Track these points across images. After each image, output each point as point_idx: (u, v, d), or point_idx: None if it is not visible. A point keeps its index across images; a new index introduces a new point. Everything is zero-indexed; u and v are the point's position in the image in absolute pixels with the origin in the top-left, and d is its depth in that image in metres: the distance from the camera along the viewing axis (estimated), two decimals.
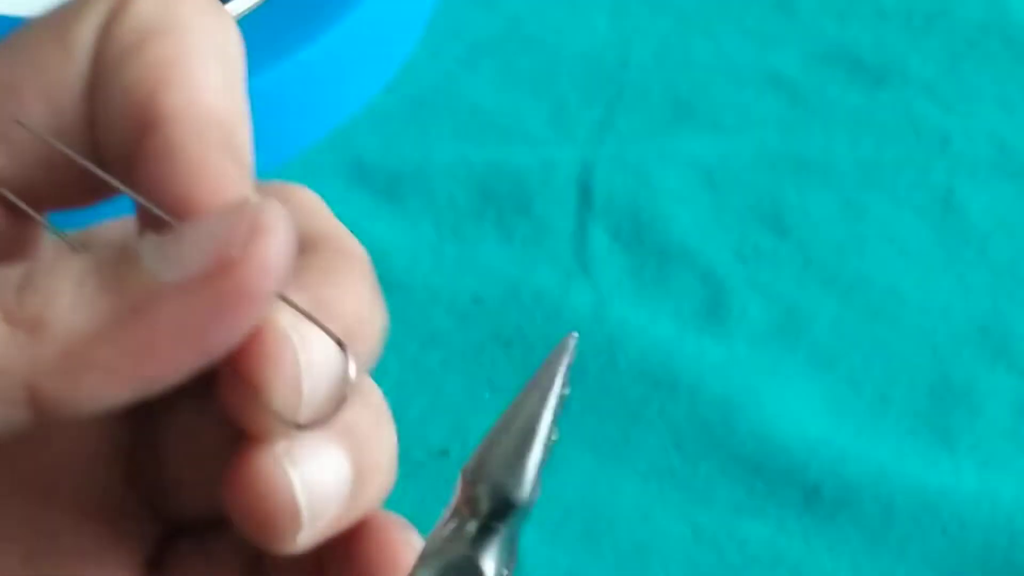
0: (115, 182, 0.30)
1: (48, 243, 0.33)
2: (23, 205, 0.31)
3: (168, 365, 0.28)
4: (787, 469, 0.51)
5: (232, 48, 0.32)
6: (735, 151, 0.62)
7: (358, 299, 0.32)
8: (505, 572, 0.28)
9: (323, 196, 0.58)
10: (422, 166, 0.61)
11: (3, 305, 0.28)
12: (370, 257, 0.55)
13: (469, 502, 0.28)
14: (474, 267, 0.57)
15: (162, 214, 0.29)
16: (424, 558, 0.28)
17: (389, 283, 0.55)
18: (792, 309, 0.56)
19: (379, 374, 0.54)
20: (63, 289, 0.28)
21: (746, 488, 0.51)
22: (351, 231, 0.56)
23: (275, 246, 0.27)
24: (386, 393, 0.54)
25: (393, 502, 0.50)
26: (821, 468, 0.51)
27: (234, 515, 0.30)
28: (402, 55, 0.64)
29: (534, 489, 0.28)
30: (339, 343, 0.29)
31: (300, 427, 0.29)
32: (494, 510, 0.28)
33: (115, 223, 0.34)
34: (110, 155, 0.31)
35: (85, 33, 0.31)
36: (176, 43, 0.31)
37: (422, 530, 0.48)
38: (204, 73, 0.31)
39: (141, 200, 0.29)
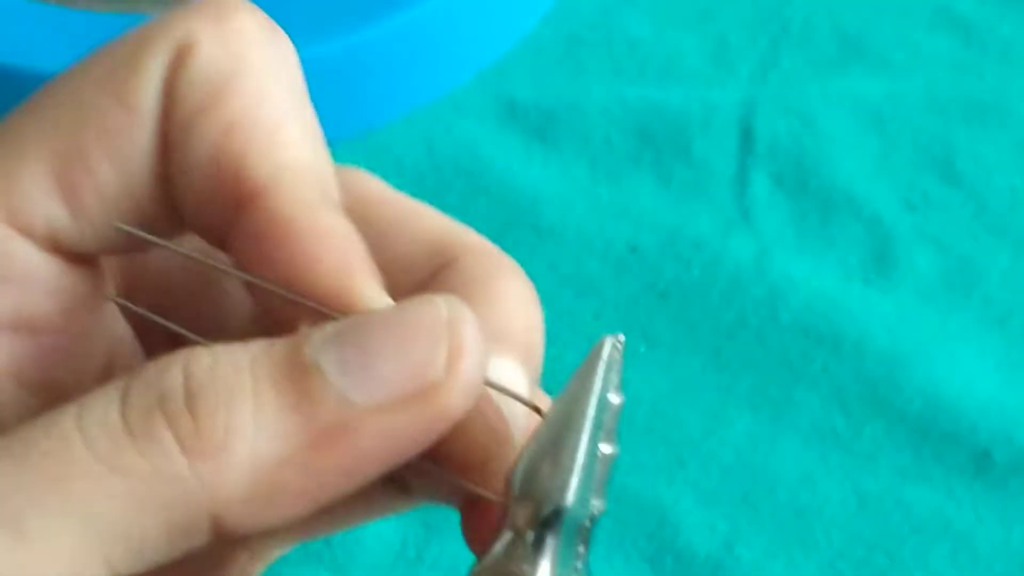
0: (248, 276, 0.29)
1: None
2: (148, 314, 0.30)
3: (361, 479, 0.27)
4: (956, 432, 0.50)
5: (297, 76, 0.31)
6: (904, 92, 0.59)
7: (523, 307, 0.31)
8: None
9: (474, 137, 0.57)
10: (576, 105, 0.59)
11: (180, 434, 0.26)
12: (522, 201, 0.55)
13: (517, 515, 0.27)
14: (630, 213, 0.55)
15: (318, 306, 0.28)
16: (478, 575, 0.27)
17: (540, 229, 0.55)
18: (963, 261, 0.54)
19: None
20: (242, 408, 0.26)
21: (913, 451, 0.49)
22: (503, 173, 0.55)
23: (476, 365, 0.27)
24: None
25: None
26: (992, 431, 0.49)
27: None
28: None
29: (583, 497, 0.27)
30: (536, 410, 0.29)
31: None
32: (542, 521, 0.27)
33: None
34: (198, 224, 0.30)
35: (148, 90, 0.30)
36: (248, 95, 0.30)
37: None
38: (286, 125, 0.30)
39: (286, 292, 0.28)
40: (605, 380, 0.27)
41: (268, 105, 0.30)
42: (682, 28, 0.61)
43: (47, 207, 0.30)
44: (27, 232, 0.30)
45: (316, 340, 0.27)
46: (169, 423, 0.26)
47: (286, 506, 0.27)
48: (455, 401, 0.27)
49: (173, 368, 0.27)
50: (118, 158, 0.30)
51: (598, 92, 0.59)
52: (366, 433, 0.26)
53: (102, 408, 0.26)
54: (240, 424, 0.26)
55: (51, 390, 0.30)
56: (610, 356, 0.27)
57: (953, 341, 0.52)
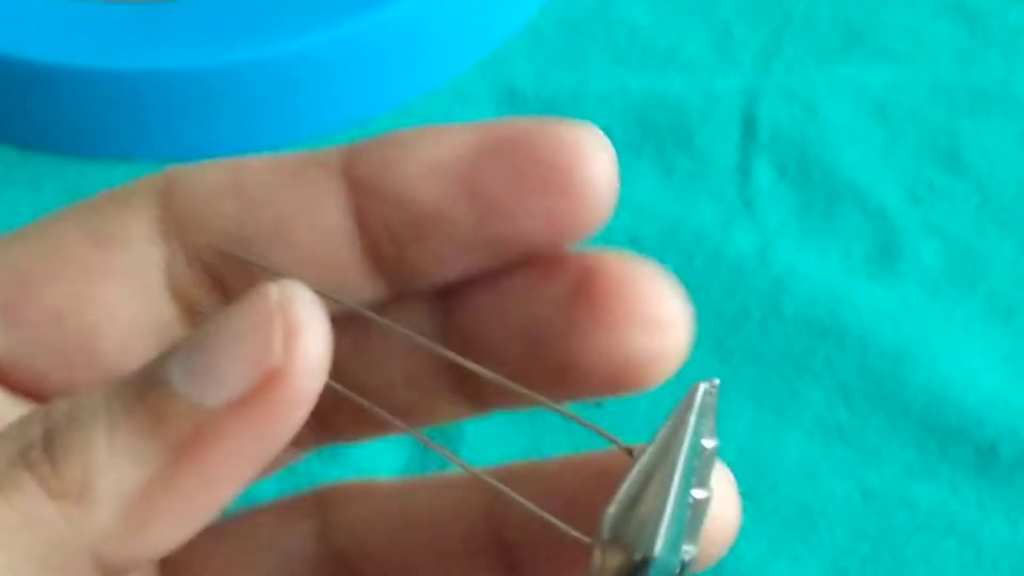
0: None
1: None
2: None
3: (233, 483, 0.26)
4: (961, 427, 0.49)
5: None
6: (909, 81, 0.58)
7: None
8: None
9: None
10: (577, 94, 0.58)
11: (42, 480, 0.25)
12: None
13: (604, 561, 0.26)
14: (631, 204, 0.54)
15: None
16: None
17: None
18: (969, 253, 0.54)
19: None
20: (96, 443, 0.25)
21: (917, 447, 0.49)
22: None
23: (316, 341, 0.26)
24: None
25: (546, 450, 0.49)
26: (998, 426, 0.49)
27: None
28: None
29: (673, 544, 0.26)
30: (628, 452, 0.28)
31: None
32: (630, 570, 0.26)
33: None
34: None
35: (136, 221, 0.30)
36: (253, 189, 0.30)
37: None
38: None
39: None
40: (698, 425, 0.27)
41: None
42: (684, 16, 0.61)
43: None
44: None
45: (166, 358, 0.26)
46: (31, 471, 0.25)
47: (165, 530, 0.26)
48: (301, 382, 0.25)
49: (34, 418, 0.26)
50: (85, 286, 0.30)
51: (598, 81, 0.58)
52: (223, 435, 0.25)
53: None
54: (96, 459, 0.25)
55: None
56: (703, 401, 0.27)
57: (958, 334, 0.51)
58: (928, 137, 0.57)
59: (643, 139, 0.56)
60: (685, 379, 0.50)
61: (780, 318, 0.51)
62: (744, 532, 0.47)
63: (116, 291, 0.30)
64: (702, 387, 0.27)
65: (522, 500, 0.28)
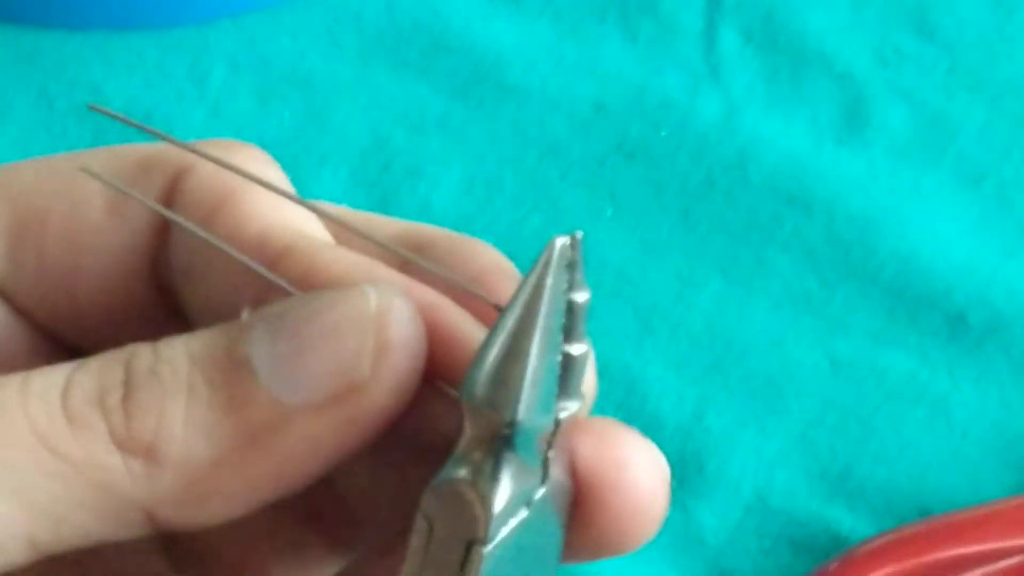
0: (211, 237, 0.29)
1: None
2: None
3: (292, 482, 0.27)
4: (930, 294, 0.49)
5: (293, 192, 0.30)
6: None
7: (500, 259, 0.29)
8: (529, 502, 0.26)
9: None
10: None
11: (113, 428, 0.26)
12: (485, 59, 0.53)
13: (472, 428, 0.26)
14: (595, 71, 0.53)
15: (283, 282, 0.27)
16: (430, 493, 0.26)
17: (504, 88, 0.53)
18: (937, 118, 0.53)
19: (494, 189, 0.52)
20: (174, 410, 0.26)
21: (886, 315, 0.48)
22: (465, 30, 0.53)
23: (405, 362, 0.26)
24: (502, 210, 0.52)
25: None
26: (967, 293, 0.49)
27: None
28: None
29: (544, 404, 0.26)
30: (497, 309, 0.27)
31: None
32: (498, 436, 0.25)
33: None
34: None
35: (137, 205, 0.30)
36: (254, 198, 0.29)
37: None
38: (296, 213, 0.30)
39: (246, 260, 0.28)
40: (557, 280, 0.26)
41: (275, 202, 0.29)
42: None
43: None
44: None
45: (251, 335, 0.26)
46: (104, 416, 0.26)
47: (218, 505, 0.26)
48: (381, 402, 0.26)
49: (115, 362, 0.27)
50: (78, 247, 0.30)
51: None
52: (295, 433, 0.26)
53: (45, 386, 0.26)
54: (171, 425, 0.26)
55: None
56: (562, 255, 0.26)
57: (927, 201, 0.51)
58: (896, 0, 0.56)
59: (607, 4, 0.55)
60: (650, 250, 0.50)
61: (747, 186, 0.51)
62: (711, 403, 0.47)
63: (106, 256, 0.30)
64: (559, 241, 0.26)
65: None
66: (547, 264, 0.25)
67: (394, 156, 0.51)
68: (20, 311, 0.31)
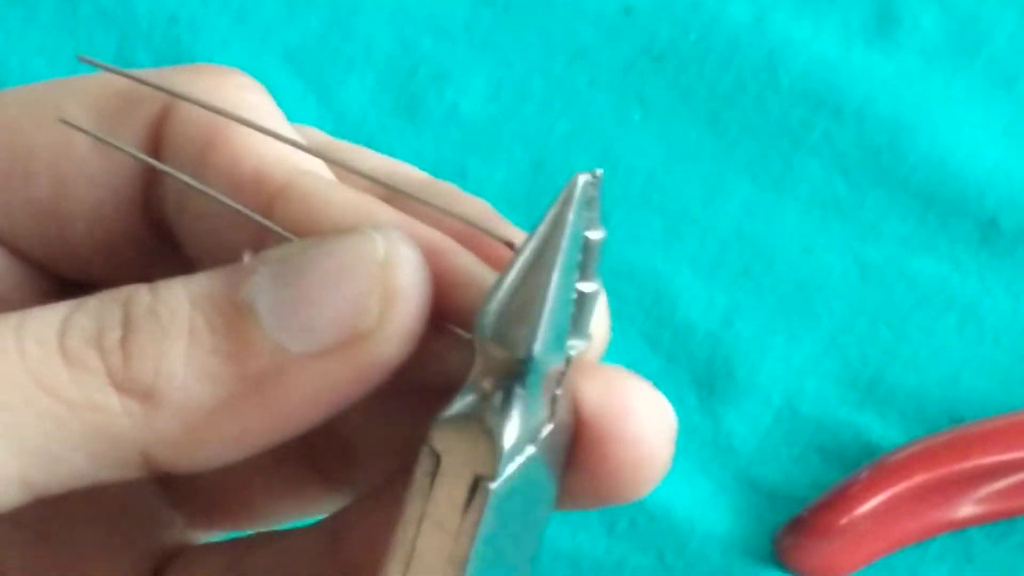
0: (200, 185, 0.28)
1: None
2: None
3: (293, 428, 0.26)
4: (962, 199, 0.48)
5: (283, 118, 0.30)
6: None
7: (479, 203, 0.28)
8: (535, 440, 0.26)
9: None
10: None
11: (111, 369, 0.25)
12: None
13: (485, 361, 0.26)
14: None
15: (277, 228, 0.27)
16: (438, 426, 0.25)
17: None
18: (968, 20, 0.52)
19: (521, 94, 0.52)
20: (174, 352, 0.25)
21: (917, 220, 0.48)
22: None
23: (413, 310, 0.26)
24: (529, 115, 0.51)
25: None
26: (999, 198, 0.48)
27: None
28: None
29: (557, 341, 0.25)
30: (509, 246, 0.27)
31: None
32: (510, 371, 0.25)
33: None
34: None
35: (128, 138, 0.29)
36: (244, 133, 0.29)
37: None
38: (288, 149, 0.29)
39: (239, 207, 0.28)
40: (578, 217, 0.25)
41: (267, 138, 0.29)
42: None
43: None
44: None
45: (254, 280, 0.26)
46: (102, 357, 0.26)
47: (216, 450, 0.26)
48: (388, 350, 0.25)
49: (114, 299, 0.26)
50: (67, 182, 0.29)
51: None
52: (298, 380, 0.26)
53: (41, 326, 0.26)
54: (170, 368, 0.25)
55: None
56: (584, 192, 0.25)
57: (958, 105, 0.50)
58: None
59: None
60: (678, 155, 0.49)
61: (776, 90, 0.50)
62: (740, 309, 0.47)
63: (95, 190, 0.30)
64: (582, 178, 0.25)
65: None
66: (568, 200, 0.25)
67: (421, 62, 0.50)
68: (12, 249, 0.31)
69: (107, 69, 0.29)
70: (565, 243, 0.25)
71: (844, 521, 0.43)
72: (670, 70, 0.51)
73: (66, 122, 0.29)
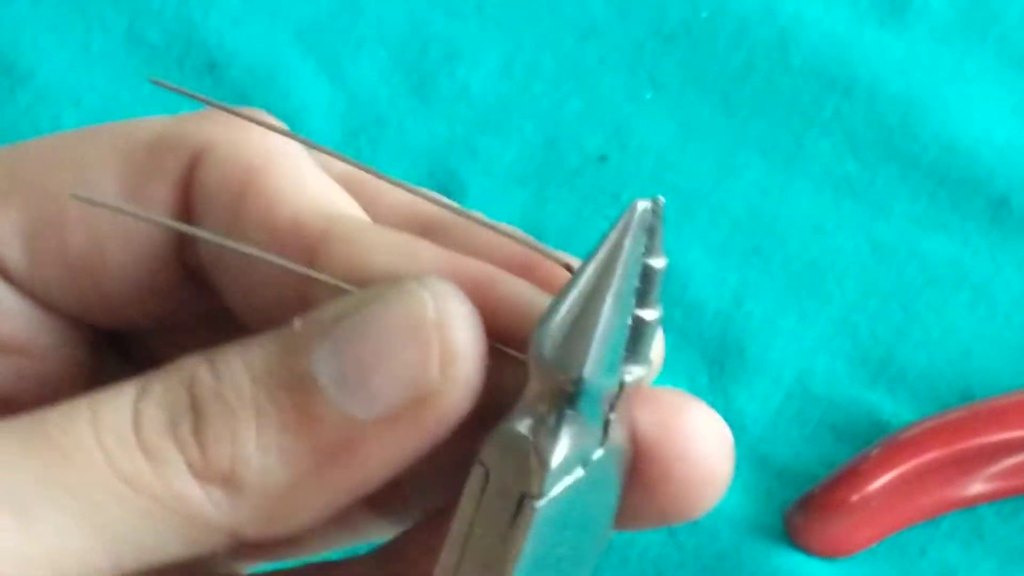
0: (250, 250, 0.28)
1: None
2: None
3: (368, 488, 0.27)
4: (973, 178, 0.48)
5: (314, 164, 0.30)
6: None
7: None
8: (586, 462, 0.26)
9: None
10: None
11: (191, 462, 0.26)
12: None
13: (538, 382, 0.26)
14: None
15: (320, 275, 0.27)
16: (489, 443, 0.26)
17: None
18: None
19: (532, 72, 0.52)
20: (246, 435, 0.26)
21: (928, 198, 0.48)
22: None
23: (472, 367, 0.26)
24: (540, 93, 0.51)
25: (549, 212, 0.48)
26: (1010, 177, 0.48)
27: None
28: None
29: (610, 366, 0.26)
30: (567, 268, 0.27)
31: None
32: (562, 393, 0.26)
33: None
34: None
35: (158, 192, 0.30)
36: (279, 176, 0.29)
37: (578, 239, 0.46)
38: (325, 189, 0.29)
39: (277, 259, 0.28)
40: (635, 243, 0.25)
41: (301, 180, 0.29)
42: None
43: (9, 249, 0.30)
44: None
45: (312, 348, 0.26)
46: (180, 448, 0.26)
47: (300, 519, 0.27)
48: (455, 404, 0.26)
49: (178, 387, 0.27)
50: (100, 236, 0.30)
51: None
52: (370, 446, 0.26)
53: (116, 419, 0.26)
54: (244, 452, 0.26)
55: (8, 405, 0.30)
56: (643, 219, 0.25)
57: (969, 84, 0.50)
58: None
59: None
60: (690, 134, 0.49)
61: (787, 69, 0.50)
62: (751, 288, 0.47)
63: (129, 242, 0.30)
64: (641, 205, 0.25)
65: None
66: (627, 226, 0.25)
67: (432, 40, 0.50)
68: (46, 305, 0.31)
69: (178, 92, 0.29)
70: (620, 269, 0.25)
71: (855, 499, 0.43)
72: (681, 49, 0.51)
73: (77, 197, 0.29)
